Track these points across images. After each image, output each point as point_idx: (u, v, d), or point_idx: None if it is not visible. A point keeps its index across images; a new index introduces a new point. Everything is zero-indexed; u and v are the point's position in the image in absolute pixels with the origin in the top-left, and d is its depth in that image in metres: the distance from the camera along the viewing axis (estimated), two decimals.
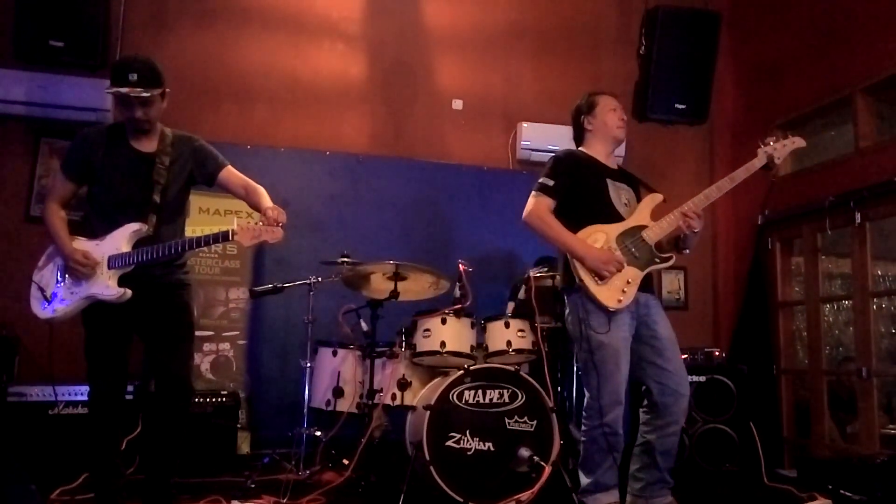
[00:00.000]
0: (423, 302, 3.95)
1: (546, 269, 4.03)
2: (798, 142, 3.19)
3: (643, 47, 5.21)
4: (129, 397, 3.32)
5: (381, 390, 3.70)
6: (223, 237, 2.74)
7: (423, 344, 3.68)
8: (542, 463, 3.33)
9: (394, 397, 3.72)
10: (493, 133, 5.55)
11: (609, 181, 3.20)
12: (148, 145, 2.93)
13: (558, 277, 3.96)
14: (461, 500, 3.27)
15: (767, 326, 5.14)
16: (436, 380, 3.70)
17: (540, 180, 3.17)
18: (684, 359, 4.57)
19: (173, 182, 2.94)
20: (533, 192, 3.16)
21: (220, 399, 4.15)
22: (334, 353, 3.96)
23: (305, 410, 3.98)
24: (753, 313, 5.22)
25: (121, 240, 2.83)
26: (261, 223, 2.74)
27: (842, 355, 5.42)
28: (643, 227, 3.10)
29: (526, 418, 3.49)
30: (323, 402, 3.90)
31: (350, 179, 5.17)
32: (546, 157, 5.37)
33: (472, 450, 3.41)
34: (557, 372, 3.91)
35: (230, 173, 3.03)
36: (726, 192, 3.14)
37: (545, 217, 3.09)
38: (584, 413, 3.11)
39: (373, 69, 5.43)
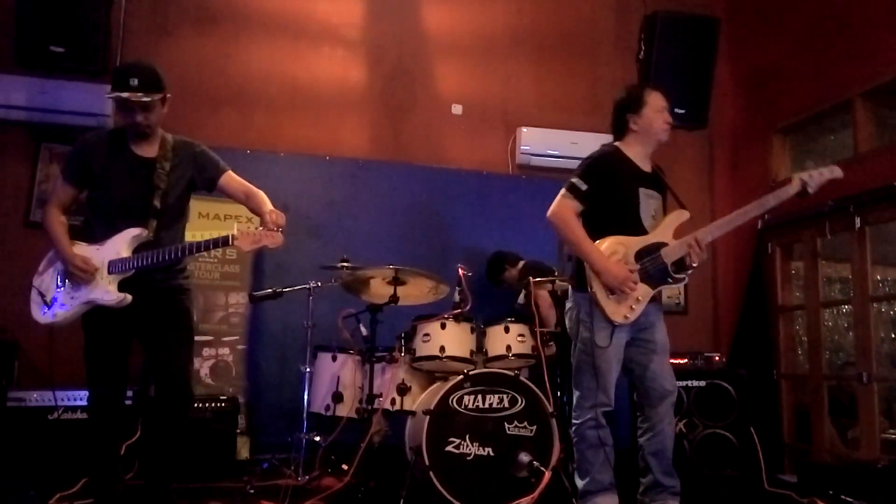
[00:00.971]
0: (423, 307, 3.94)
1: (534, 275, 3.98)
2: (836, 171, 3.13)
3: (642, 52, 5.22)
4: (128, 402, 3.32)
5: (380, 395, 3.69)
6: (223, 242, 2.74)
7: (423, 349, 3.68)
8: (542, 468, 3.33)
9: (393, 402, 3.72)
10: (492, 138, 5.56)
11: (641, 190, 3.14)
12: (149, 150, 2.94)
13: (558, 282, 3.99)
14: None
15: (767, 331, 5.14)
16: (435, 384, 3.69)
17: (572, 180, 3.11)
18: (684, 363, 4.60)
19: (174, 187, 2.95)
20: (562, 192, 3.12)
21: (219, 404, 4.15)
22: (334, 358, 3.95)
23: (305, 415, 3.97)
24: (753, 318, 5.21)
25: (121, 245, 2.84)
26: (261, 228, 2.75)
27: (842, 360, 5.40)
28: (663, 245, 3.08)
29: (526, 423, 3.48)
30: (322, 407, 3.89)
31: (350, 184, 5.17)
32: (545, 161, 5.47)
33: (472, 455, 3.40)
34: (557, 377, 3.90)
35: (230, 178, 3.04)
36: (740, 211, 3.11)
37: (569, 221, 3.07)
38: (573, 413, 3.14)
39: (373, 74, 5.44)
